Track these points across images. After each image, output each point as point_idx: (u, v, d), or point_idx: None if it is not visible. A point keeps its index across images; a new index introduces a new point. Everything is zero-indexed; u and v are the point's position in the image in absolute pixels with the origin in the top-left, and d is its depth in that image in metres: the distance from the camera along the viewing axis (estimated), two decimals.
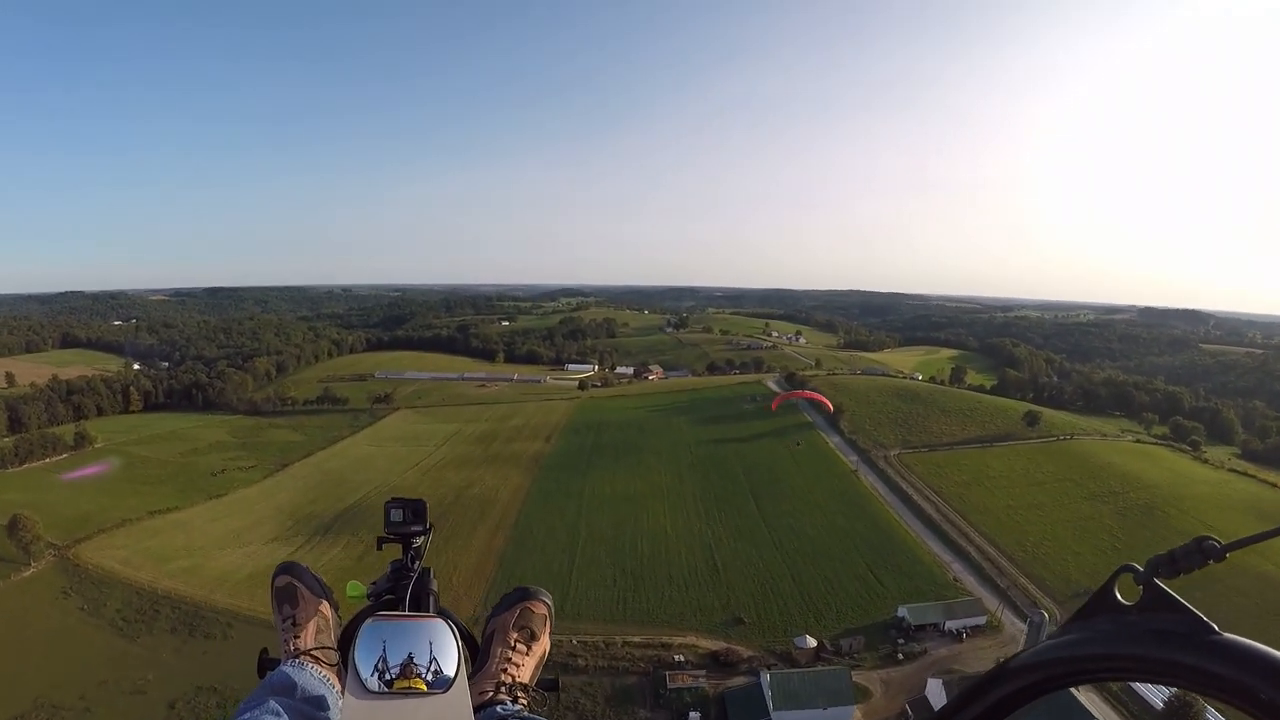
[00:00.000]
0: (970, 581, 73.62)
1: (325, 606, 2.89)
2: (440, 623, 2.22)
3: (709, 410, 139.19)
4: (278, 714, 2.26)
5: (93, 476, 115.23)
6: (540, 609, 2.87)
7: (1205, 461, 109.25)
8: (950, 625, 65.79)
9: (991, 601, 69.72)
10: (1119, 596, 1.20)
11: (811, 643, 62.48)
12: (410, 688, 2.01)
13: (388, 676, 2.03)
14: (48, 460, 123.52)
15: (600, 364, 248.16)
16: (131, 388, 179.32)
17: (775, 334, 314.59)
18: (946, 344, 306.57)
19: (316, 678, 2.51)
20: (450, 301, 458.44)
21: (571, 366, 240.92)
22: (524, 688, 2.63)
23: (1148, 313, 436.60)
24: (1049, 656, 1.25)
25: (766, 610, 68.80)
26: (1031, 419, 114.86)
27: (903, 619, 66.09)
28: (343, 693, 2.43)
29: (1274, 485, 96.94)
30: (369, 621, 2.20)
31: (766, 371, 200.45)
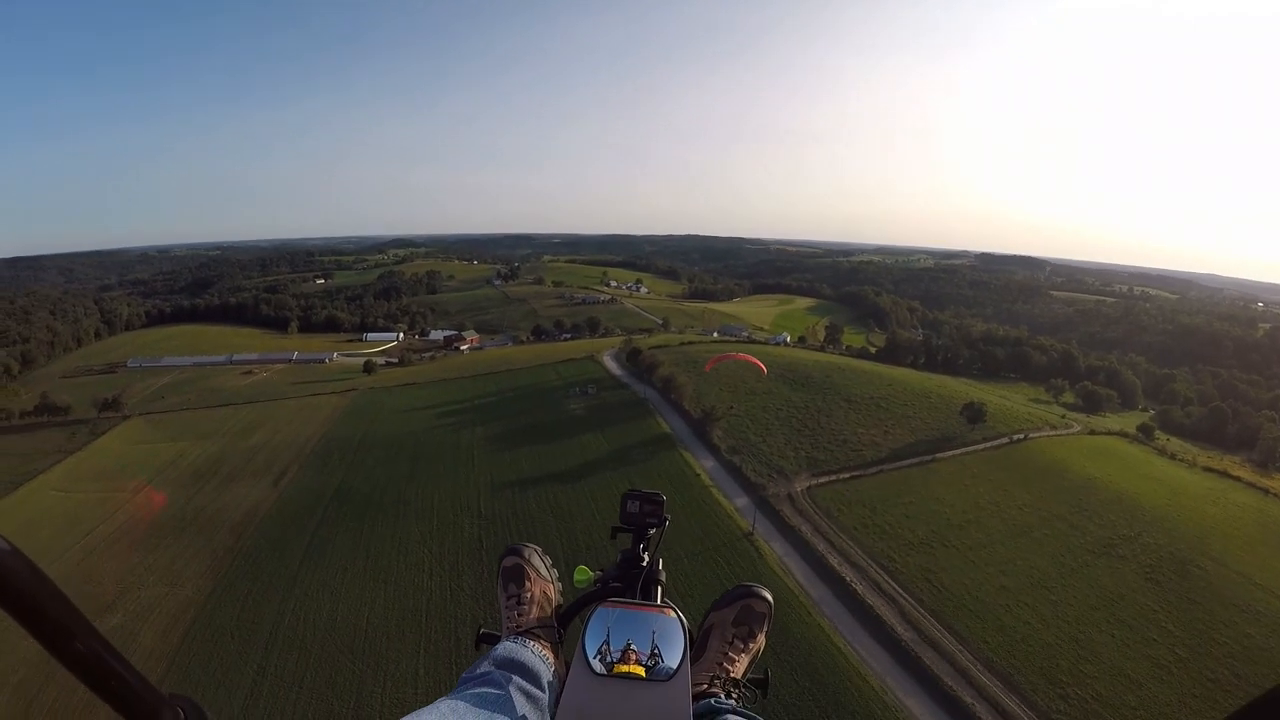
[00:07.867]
0: None
1: (550, 588, 3.01)
2: (669, 614, 2.25)
3: (521, 412, 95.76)
4: (499, 685, 2.33)
5: None
6: (761, 606, 2.91)
7: (1173, 457, 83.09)
8: None
9: None
10: None
11: None
12: (630, 673, 2.05)
13: (609, 659, 2.08)
14: None
15: (411, 329, 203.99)
16: None
17: (614, 283, 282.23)
18: (799, 292, 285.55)
19: (536, 654, 2.61)
20: (268, 260, 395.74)
21: (373, 336, 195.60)
22: (736, 683, 2.68)
23: (985, 258, 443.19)
24: None
25: None
26: (973, 414, 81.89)
27: None
28: (560, 672, 2.63)
29: (1272, 493, 71.54)
30: (600, 606, 2.27)
31: (603, 335, 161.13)
